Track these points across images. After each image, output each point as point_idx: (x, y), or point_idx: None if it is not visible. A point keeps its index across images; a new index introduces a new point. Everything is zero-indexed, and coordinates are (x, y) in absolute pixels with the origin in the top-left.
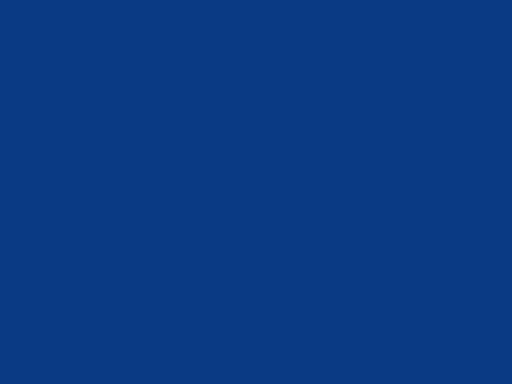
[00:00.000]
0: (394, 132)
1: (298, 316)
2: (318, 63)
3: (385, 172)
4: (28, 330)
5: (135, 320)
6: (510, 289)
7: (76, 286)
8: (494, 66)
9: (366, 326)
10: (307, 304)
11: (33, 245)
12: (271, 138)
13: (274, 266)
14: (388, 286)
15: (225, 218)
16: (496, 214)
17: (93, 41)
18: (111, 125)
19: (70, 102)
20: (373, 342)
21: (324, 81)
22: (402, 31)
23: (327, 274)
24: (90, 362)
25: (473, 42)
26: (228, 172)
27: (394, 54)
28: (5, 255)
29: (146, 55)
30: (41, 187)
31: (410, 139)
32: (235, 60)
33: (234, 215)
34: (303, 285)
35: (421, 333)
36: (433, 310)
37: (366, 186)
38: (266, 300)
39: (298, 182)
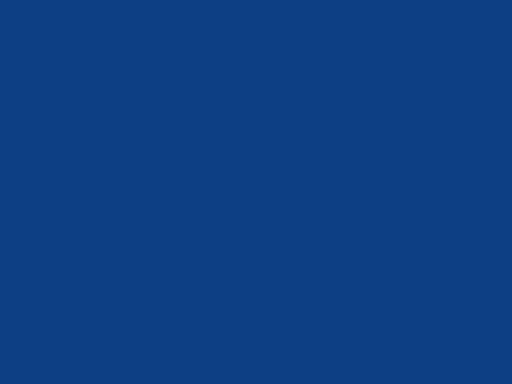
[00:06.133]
0: (394, 132)
1: (298, 316)
2: (317, 64)
3: (385, 172)
4: (28, 330)
5: (135, 320)
6: (510, 289)
7: (75, 287)
8: (493, 66)
9: (366, 327)
10: (307, 304)
11: (32, 245)
12: (271, 139)
13: (274, 267)
14: (388, 286)
15: (225, 219)
16: (496, 214)
17: (93, 41)
18: (111, 125)
19: (70, 101)
20: (373, 342)
21: (324, 81)
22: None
23: (327, 275)
24: (89, 361)
25: (473, 43)
26: (227, 172)
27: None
28: (5, 255)
29: (145, 55)
30: (41, 187)
31: (410, 139)
32: (235, 60)
33: (233, 216)
34: (303, 285)
35: (421, 333)
36: (433, 310)
37: (366, 187)
38: (266, 300)
39: (297, 183)
